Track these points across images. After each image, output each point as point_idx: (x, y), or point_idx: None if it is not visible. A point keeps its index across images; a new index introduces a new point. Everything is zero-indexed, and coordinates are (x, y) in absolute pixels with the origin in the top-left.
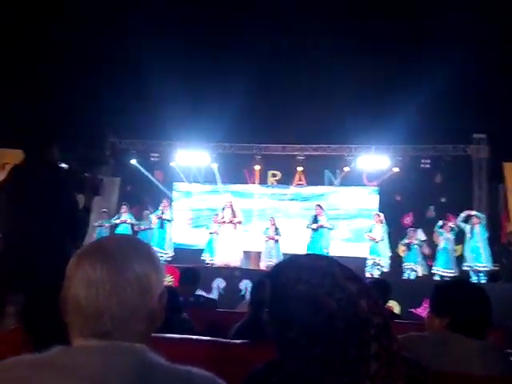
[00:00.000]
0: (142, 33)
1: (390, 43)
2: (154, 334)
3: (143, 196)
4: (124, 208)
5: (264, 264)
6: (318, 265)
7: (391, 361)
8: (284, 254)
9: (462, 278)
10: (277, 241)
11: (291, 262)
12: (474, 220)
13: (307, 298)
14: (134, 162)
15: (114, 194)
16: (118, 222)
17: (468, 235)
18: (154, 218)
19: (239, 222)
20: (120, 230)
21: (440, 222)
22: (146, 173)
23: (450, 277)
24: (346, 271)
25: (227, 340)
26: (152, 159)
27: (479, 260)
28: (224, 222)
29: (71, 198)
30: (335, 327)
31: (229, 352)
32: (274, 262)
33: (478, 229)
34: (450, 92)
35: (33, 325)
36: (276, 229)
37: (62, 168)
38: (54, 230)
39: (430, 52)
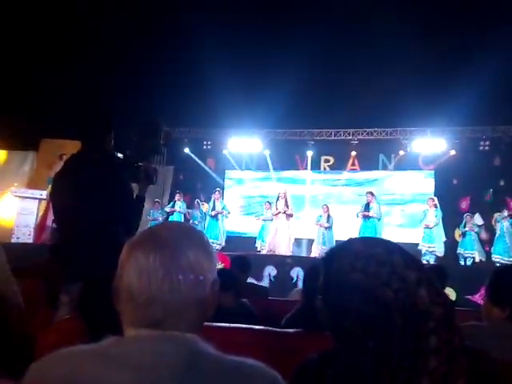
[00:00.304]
0: (194, 21)
1: (448, 24)
2: (205, 323)
3: (195, 184)
4: (178, 196)
5: (316, 251)
6: (373, 252)
7: (452, 356)
8: (337, 241)
9: None
10: (330, 228)
11: (346, 248)
12: None
13: (362, 287)
14: (186, 150)
15: (167, 182)
16: (168, 210)
17: None
18: (211, 212)
19: (291, 215)
20: (173, 218)
21: (505, 213)
22: (199, 161)
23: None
24: (406, 258)
25: (279, 329)
26: (204, 147)
27: None
28: (277, 213)
29: (127, 187)
30: (392, 318)
31: (281, 341)
32: (326, 249)
33: None
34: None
35: (89, 314)
36: (329, 216)
37: (118, 157)
38: (110, 218)
39: (489, 31)
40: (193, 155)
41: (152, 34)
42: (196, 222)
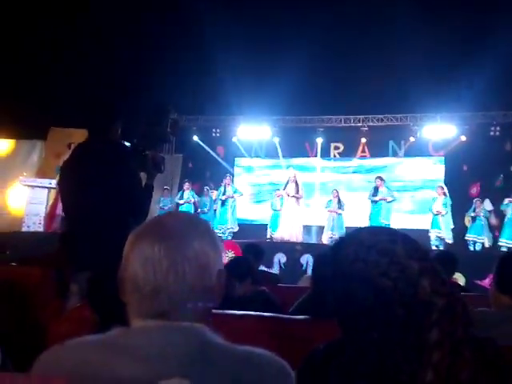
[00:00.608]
0: (204, 7)
1: (457, 10)
2: (219, 311)
3: (205, 172)
4: (186, 185)
5: (326, 237)
6: (376, 241)
7: (455, 348)
8: (347, 228)
9: None
10: (340, 214)
11: (352, 237)
12: None
13: (362, 276)
14: (195, 138)
15: (176, 171)
16: (181, 202)
17: None
18: (221, 197)
19: (301, 197)
20: (183, 208)
21: (506, 200)
22: (208, 149)
23: None
24: (409, 247)
25: (288, 316)
26: (213, 135)
27: None
28: (287, 195)
29: (134, 176)
30: (393, 309)
31: (289, 328)
32: (336, 235)
33: None
34: None
35: (99, 303)
36: (339, 201)
37: (125, 146)
38: (118, 207)
39: (499, 14)
40: (202, 143)
41: (161, 20)
42: (205, 209)
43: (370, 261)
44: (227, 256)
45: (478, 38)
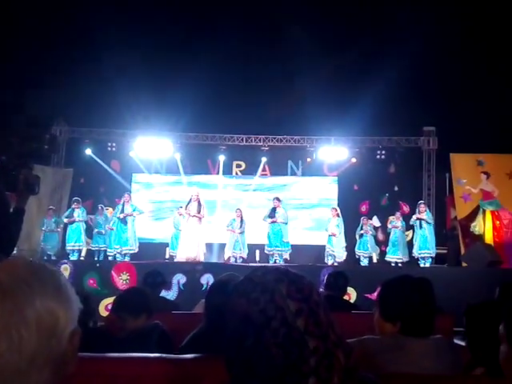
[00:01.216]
0: (99, 18)
1: (349, 40)
2: (98, 354)
3: (98, 188)
4: (75, 204)
5: (228, 256)
6: (264, 279)
7: None
8: (248, 245)
9: (406, 279)
10: (242, 233)
11: (250, 273)
12: (421, 208)
13: (243, 312)
14: (88, 151)
15: (65, 187)
16: (66, 220)
17: (416, 224)
18: (119, 215)
19: (203, 217)
20: (73, 228)
21: (394, 219)
22: (102, 163)
23: (401, 263)
24: (293, 288)
25: (176, 356)
26: (109, 149)
27: (426, 247)
28: (188, 214)
29: (1, 199)
30: (270, 351)
31: (179, 369)
32: (237, 253)
33: (424, 218)
34: (404, 87)
35: None
36: (242, 220)
37: None
38: None
39: (385, 49)
40: (95, 157)
41: (48, 26)
42: (103, 231)
43: (252, 297)
44: (121, 279)
45: (367, 70)
